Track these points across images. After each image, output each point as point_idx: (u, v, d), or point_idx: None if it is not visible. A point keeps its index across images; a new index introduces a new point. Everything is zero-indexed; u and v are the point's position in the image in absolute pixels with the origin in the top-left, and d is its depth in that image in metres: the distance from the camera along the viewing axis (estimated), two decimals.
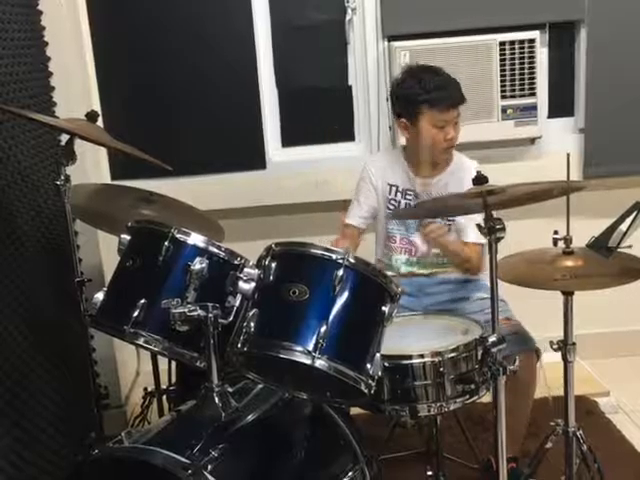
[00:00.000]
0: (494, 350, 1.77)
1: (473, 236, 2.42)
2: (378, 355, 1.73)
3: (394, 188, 2.56)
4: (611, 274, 1.93)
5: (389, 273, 2.49)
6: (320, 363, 1.61)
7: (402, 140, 3.11)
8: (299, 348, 1.62)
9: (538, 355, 2.28)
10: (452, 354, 1.87)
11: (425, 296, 2.52)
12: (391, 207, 2.56)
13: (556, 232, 2.03)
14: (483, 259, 2.46)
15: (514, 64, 3.12)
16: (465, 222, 2.41)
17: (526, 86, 3.15)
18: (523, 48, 3.11)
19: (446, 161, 2.53)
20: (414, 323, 2.22)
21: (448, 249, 2.44)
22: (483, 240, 2.36)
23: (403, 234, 2.57)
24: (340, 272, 1.67)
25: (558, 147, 3.22)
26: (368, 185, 2.60)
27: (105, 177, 3.19)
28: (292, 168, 3.28)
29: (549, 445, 2.12)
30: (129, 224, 1.97)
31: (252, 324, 1.67)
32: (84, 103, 2.89)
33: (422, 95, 2.37)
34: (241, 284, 1.73)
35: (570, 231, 2.01)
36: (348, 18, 3.20)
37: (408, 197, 2.55)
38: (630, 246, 1.95)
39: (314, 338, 1.62)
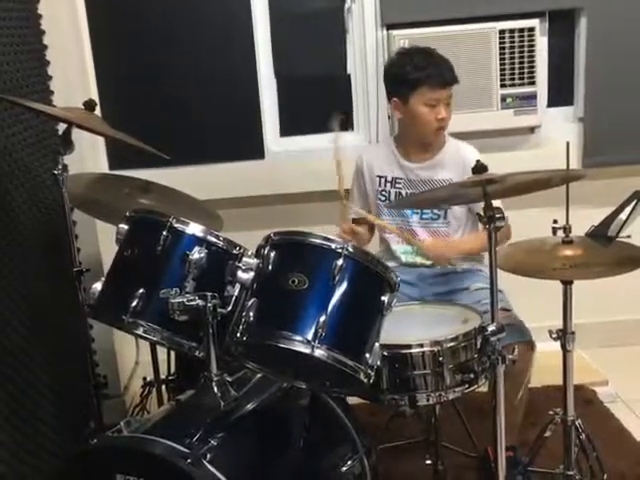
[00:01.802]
0: (493, 339, 1.77)
1: None
2: (377, 344, 1.73)
3: (382, 179, 2.57)
4: (610, 263, 1.93)
5: (391, 263, 2.51)
6: (319, 352, 1.61)
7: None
8: (298, 337, 1.62)
9: (532, 347, 2.27)
10: (451, 343, 1.87)
11: (425, 285, 2.51)
12: (382, 198, 2.57)
13: (555, 221, 2.03)
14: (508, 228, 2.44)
15: (514, 53, 3.11)
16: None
17: (525, 75, 3.14)
18: (523, 36, 3.10)
19: (438, 145, 2.52)
20: (413, 312, 2.22)
21: (465, 253, 2.48)
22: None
23: (398, 224, 2.55)
24: (339, 261, 1.67)
25: (557, 136, 3.21)
26: (360, 179, 2.64)
27: (103, 166, 3.18)
28: (291, 157, 3.27)
29: (548, 434, 2.13)
30: (127, 213, 1.96)
31: (251, 313, 1.67)
32: (82, 92, 2.88)
33: (413, 73, 2.38)
34: (240, 273, 1.73)
35: (569, 220, 2.01)
36: (347, 6, 3.18)
37: (397, 186, 2.54)
38: (629, 236, 1.95)
39: (313, 327, 1.62)
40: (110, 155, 3.21)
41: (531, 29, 3.09)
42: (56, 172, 2.13)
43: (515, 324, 2.29)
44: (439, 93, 2.38)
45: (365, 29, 3.18)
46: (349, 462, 1.91)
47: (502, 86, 3.13)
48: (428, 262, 2.54)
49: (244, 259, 1.75)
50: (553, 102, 3.29)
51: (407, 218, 2.54)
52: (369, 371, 1.70)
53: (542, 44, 3.17)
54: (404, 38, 3.06)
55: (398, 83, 2.45)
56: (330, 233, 1.73)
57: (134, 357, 3.32)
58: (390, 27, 3.13)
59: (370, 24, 3.17)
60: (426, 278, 2.53)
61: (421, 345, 1.87)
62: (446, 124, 2.45)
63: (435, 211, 2.51)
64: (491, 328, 1.78)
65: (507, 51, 3.10)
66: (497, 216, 1.76)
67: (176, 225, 1.84)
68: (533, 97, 3.16)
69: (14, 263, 2.22)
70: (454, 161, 2.47)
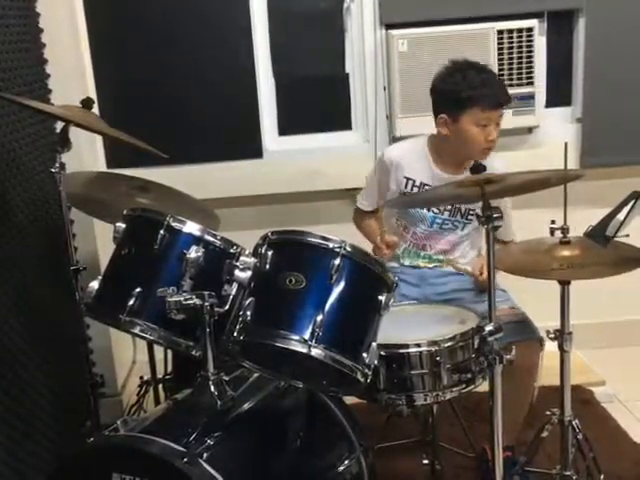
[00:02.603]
0: (491, 339, 1.76)
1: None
2: (374, 344, 1.72)
3: (410, 182, 2.45)
4: (608, 263, 1.93)
5: (393, 264, 2.49)
6: (316, 352, 1.61)
7: (399, 130, 3.12)
8: (295, 337, 1.62)
9: (542, 344, 2.26)
10: (449, 343, 1.87)
11: (427, 286, 2.48)
12: None
13: (553, 221, 2.03)
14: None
15: (512, 53, 3.10)
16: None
17: (524, 75, 3.13)
18: (521, 37, 3.09)
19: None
20: (411, 312, 2.22)
21: None
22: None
23: (420, 230, 2.51)
24: (337, 261, 1.67)
25: (555, 136, 3.21)
26: (384, 176, 2.50)
27: (100, 165, 3.17)
28: (289, 157, 3.27)
29: (545, 434, 2.13)
30: (124, 212, 1.96)
31: (248, 313, 1.67)
32: (79, 90, 2.87)
33: (467, 91, 2.27)
34: (237, 272, 1.73)
35: (567, 220, 2.01)
36: (346, 6, 3.18)
37: None
38: (627, 235, 1.95)
39: (310, 327, 1.62)
40: (108, 153, 3.20)
41: (529, 29, 3.09)
42: (53, 170, 2.13)
43: (524, 321, 2.29)
44: (491, 113, 2.30)
45: (364, 29, 3.18)
46: (346, 462, 1.91)
47: None
48: (430, 265, 2.51)
49: (241, 258, 1.76)
50: (551, 102, 3.28)
51: (426, 224, 2.48)
52: (366, 370, 1.69)
53: (540, 44, 3.17)
54: (403, 38, 3.06)
55: (448, 100, 2.34)
56: (329, 233, 1.72)
57: (131, 356, 3.31)
58: (389, 27, 3.13)
59: (369, 24, 3.17)
60: (428, 279, 2.50)
61: (418, 345, 1.87)
62: (494, 145, 2.36)
63: (455, 224, 2.47)
64: (488, 328, 1.77)
65: (505, 51, 3.10)
66: (495, 216, 1.76)
67: (173, 224, 1.84)
68: (531, 97, 3.16)
69: (11, 261, 2.21)
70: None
